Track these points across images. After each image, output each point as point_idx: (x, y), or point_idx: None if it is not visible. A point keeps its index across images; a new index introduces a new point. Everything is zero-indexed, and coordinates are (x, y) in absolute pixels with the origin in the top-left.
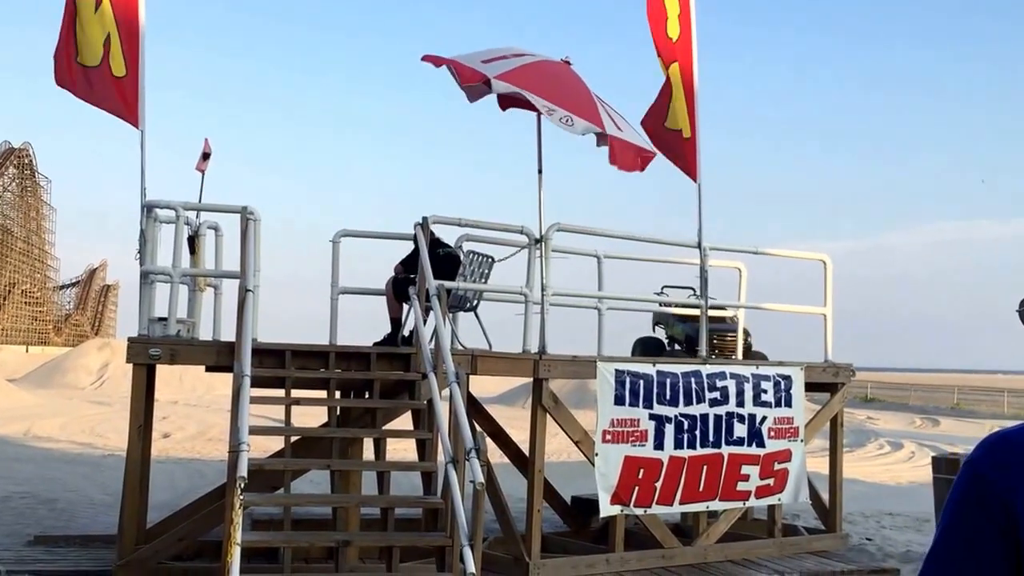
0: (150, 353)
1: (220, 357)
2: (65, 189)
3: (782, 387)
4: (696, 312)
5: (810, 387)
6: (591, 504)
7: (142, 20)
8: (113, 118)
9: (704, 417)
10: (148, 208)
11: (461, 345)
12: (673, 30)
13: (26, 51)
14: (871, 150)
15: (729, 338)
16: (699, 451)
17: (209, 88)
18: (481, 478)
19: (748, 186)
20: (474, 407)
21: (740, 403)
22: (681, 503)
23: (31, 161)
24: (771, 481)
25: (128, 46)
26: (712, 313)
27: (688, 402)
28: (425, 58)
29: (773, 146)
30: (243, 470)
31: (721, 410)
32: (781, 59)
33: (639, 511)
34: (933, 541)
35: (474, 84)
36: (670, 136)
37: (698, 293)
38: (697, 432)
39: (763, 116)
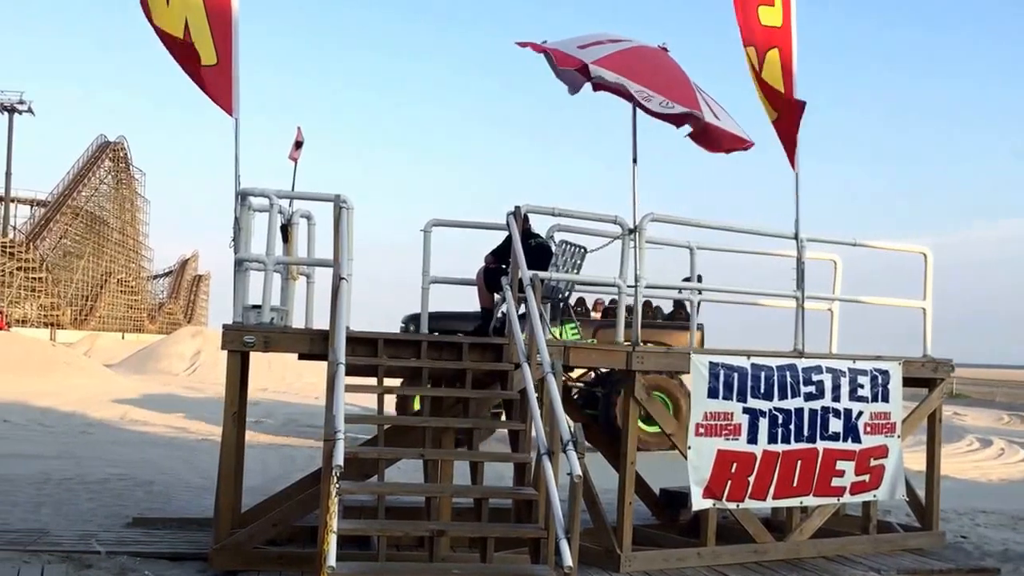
0: (244, 340)
1: (313, 345)
2: (159, 180)
3: (879, 382)
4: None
5: (907, 382)
6: (681, 497)
7: (235, 7)
8: (203, 109)
9: (799, 411)
10: (242, 196)
11: (553, 336)
12: (774, 17)
13: (120, 47)
14: (961, 137)
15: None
16: (793, 446)
17: (303, 76)
18: (579, 471)
19: (837, 177)
20: (566, 398)
21: (836, 398)
22: (774, 498)
23: (126, 154)
24: (867, 477)
25: (219, 33)
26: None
27: (783, 396)
28: (521, 44)
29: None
30: (339, 458)
31: (816, 404)
32: (872, 53)
33: (731, 506)
34: None
35: (570, 69)
36: (775, 121)
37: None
38: (792, 426)
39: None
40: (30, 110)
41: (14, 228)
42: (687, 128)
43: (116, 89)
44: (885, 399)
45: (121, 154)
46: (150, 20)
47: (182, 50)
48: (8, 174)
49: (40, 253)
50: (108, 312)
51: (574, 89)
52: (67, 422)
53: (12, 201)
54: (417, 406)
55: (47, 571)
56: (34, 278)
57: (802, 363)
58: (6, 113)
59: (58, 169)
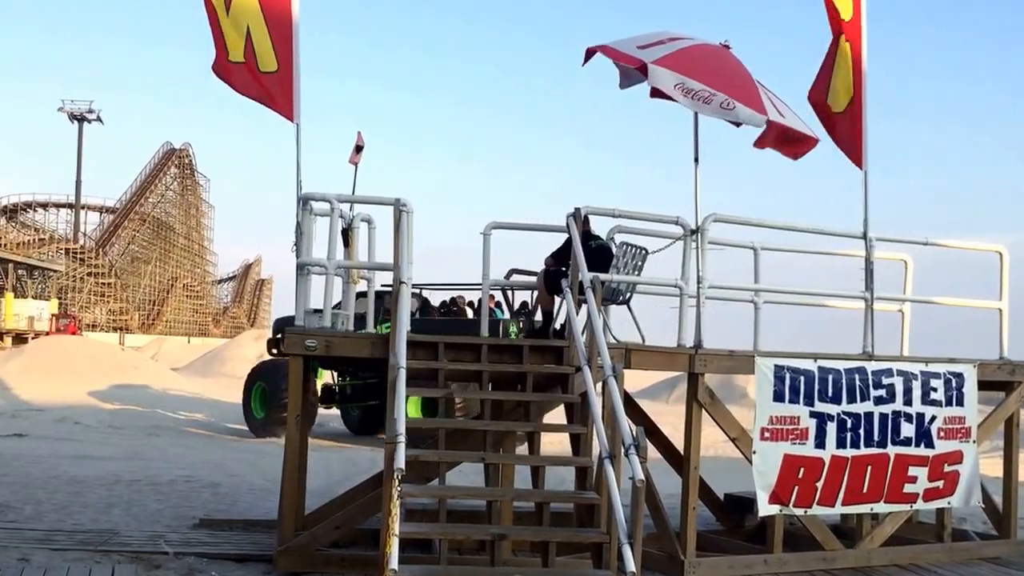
0: (306, 344)
1: (374, 349)
2: (222, 186)
3: (953, 385)
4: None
5: (982, 386)
6: (746, 502)
7: (295, 14)
8: (266, 115)
9: (869, 415)
10: (304, 201)
11: (614, 338)
12: (846, 10)
13: (183, 54)
14: None
15: None
16: (863, 451)
17: (363, 81)
18: (641, 475)
19: (907, 174)
20: (627, 402)
21: (908, 401)
22: (843, 504)
23: (191, 161)
24: (940, 484)
25: (279, 40)
26: None
27: (852, 400)
28: (586, 58)
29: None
30: (400, 462)
31: (887, 408)
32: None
33: (799, 512)
34: None
35: (629, 67)
36: (836, 118)
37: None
38: (861, 431)
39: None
40: (99, 119)
41: (84, 235)
42: (755, 129)
43: (181, 96)
44: (959, 403)
45: (186, 160)
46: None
47: (239, 76)
48: (78, 182)
49: (109, 259)
50: (174, 316)
51: (626, 82)
52: (135, 425)
53: (82, 208)
54: (413, 412)
55: (117, 571)
56: (103, 283)
57: (872, 366)
58: (76, 122)
59: (126, 176)
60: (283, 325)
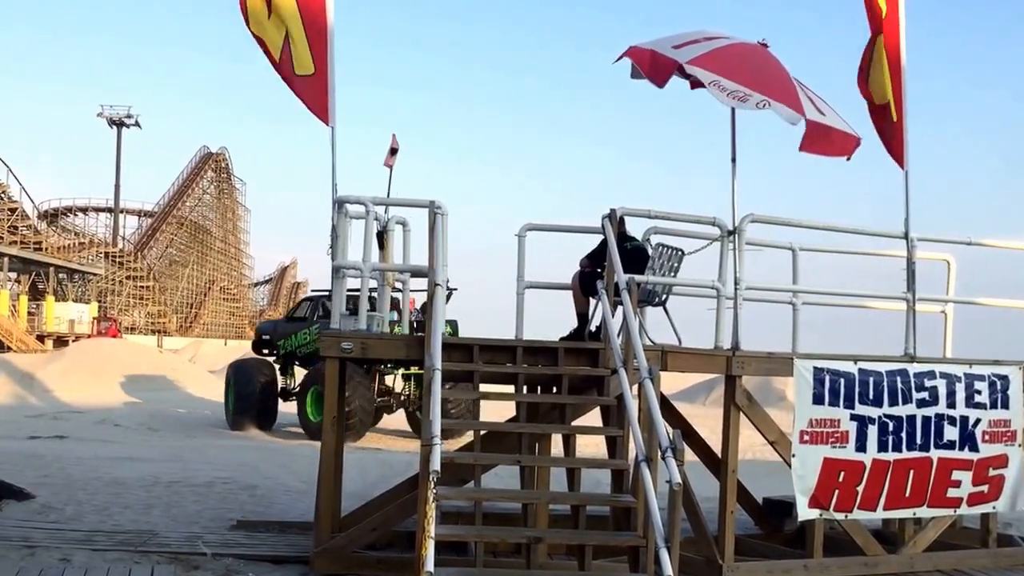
0: (342, 347)
1: (409, 350)
2: (258, 190)
3: (998, 388)
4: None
5: None
6: (785, 506)
7: (330, 18)
8: (301, 119)
9: (911, 418)
10: (339, 204)
11: (650, 340)
12: (881, 5)
13: (219, 59)
14: None
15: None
16: (905, 454)
17: (397, 84)
18: (678, 478)
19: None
20: (663, 404)
21: (951, 404)
22: (885, 509)
23: (227, 164)
24: (985, 488)
25: (315, 43)
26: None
27: (893, 402)
28: (621, 56)
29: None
30: (436, 464)
31: (930, 411)
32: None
33: (839, 516)
34: None
35: (664, 76)
36: (878, 112)
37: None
38: (903, 434)
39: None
40: (137, 124)
41: (123, 238)
42: (797, 126)
43: (217, 100)
44: (1005, 406)
45: (223, 164)
46: (248, 28)
47: (278, 66)
48: (117, 186)
49: (147, 262)
50: (211, 319)
51: (638, 74)
52: (174, 427)
53: (121, 212)
54: None
55: (156, 572)
56: (142, 286)
57: (914, 368)
58: (115, 127)
59: (164, 180)
60: (265, 330)
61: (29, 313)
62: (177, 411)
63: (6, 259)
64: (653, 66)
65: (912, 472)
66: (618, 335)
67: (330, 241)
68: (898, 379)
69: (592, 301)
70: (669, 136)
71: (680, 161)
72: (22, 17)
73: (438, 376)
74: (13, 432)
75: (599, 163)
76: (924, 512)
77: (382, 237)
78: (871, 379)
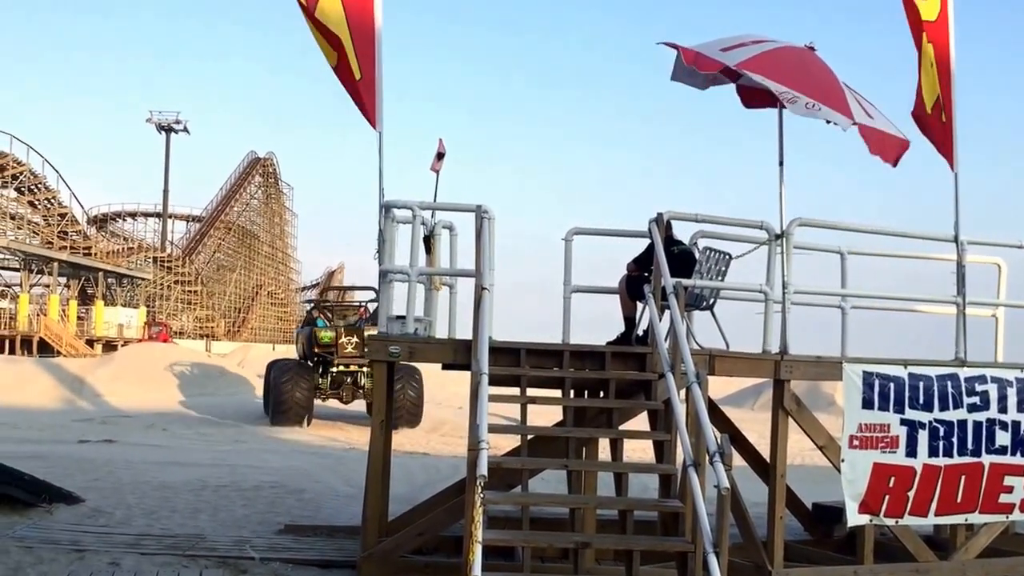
0: (389, 351)
1: (457, 355)
2: (305, 194)
3: None
4: None
5: None
6: (835, 512)
7: (378, 23)
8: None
9: (962, 423)
10: (386, 208)
11: (697, 345)
12: (930, 11)
13: (266, 66)
14: None
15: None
16: (956, 460)
17: (444, 91)
18: (727, 483)
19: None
20: (711, 409)
21: (1003, 409)
22: (936, 515)
23: (275, 169)
24: None
25: (362, 49)
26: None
27: (944, 407)
28: (664, 43)
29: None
30: (483, 468)
31: (981, 416)
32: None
33: (890, 522)
34: None
35: (709, 73)
36: (930, 118)
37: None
38: (954, 439)
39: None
40: (185, 129)
41: (171, 243)
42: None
43: (265, 105)
44: None
45: (270, 169)
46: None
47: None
48: (166, 191)
49: (195, 267)
50: (259, 324)
51: (680, 76)
52: (222, 431)
53: (169, 217)
54: None
55: (204, 575)
56: (190, 291)
57: (964, 372)
58: (163, 133)
59: (212, 185)
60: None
61: (78, 318)
62: (225, 416)
63: (56, 264)
64: (699, 62)
65: (964, 477)
66: (665, 339)
67: (377, 246)
68: (948, 384)
69: (639, 305)
70: (707, 144)
71: (712, 169)
72: (74, 35)
73: (485, 380)
74: (63, 436)
75: (632, 170)
76: (976, 518)
77: (429, 241)
78: (921, 383)
